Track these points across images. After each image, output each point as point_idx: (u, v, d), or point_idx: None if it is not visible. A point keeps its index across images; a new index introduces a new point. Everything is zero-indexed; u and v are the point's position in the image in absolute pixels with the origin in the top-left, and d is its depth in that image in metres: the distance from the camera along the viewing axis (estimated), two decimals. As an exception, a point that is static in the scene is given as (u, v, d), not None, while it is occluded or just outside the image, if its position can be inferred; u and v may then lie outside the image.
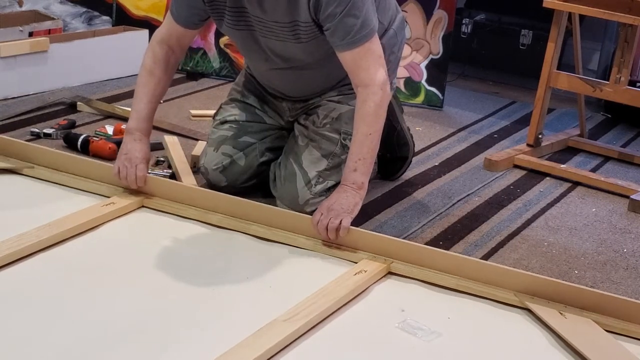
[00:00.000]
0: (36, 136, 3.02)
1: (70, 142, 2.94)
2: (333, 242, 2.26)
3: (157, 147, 3.00)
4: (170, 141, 2.99)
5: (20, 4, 4.20)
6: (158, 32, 2.54)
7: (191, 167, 2.79)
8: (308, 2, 2.28)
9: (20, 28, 3.81)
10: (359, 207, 2.33)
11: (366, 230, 2.32)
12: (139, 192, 2.47)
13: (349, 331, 1.93)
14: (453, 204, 2.81)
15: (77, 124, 3.19)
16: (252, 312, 1.95)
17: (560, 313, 2.02)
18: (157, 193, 2.47)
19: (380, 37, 2.54)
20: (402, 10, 2.73)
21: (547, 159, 3.32)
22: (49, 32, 3.91)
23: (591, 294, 2.06)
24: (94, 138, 2.94)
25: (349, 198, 2.31)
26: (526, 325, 2.03)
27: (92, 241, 2.25)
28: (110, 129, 3.07)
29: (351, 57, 2.32)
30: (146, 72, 2.52)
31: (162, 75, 2.52)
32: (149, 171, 2.68)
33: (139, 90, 2.53)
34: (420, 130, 3.53)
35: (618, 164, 3.38)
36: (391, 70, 2.65)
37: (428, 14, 3.79)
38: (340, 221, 2.24)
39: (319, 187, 2.50)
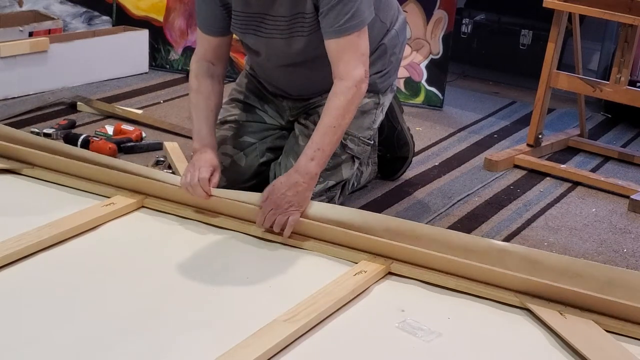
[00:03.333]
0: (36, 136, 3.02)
1: (70, 142, 2.94)
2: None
3: (157, 147, 3.01)
4: (171, 147, 2.98)
5: (20, 4, 4.20)
6: (194, 54, 2.56)
7: (191, 167, 2.79)
8: None
9: (20, 28, 3.81)
10: (308, 200, 2.34)
11: (366, 231, 2.33)
12: (139, 193, 2.47)
13: (349, 331, 1.93)
14: (453, 204, 2.81)
15: (77, 124, 3.19)
16: (252, 312, 1.95)
17: (560, 313, 2.02)
18: (157, 193, 2.47)
19: (382, 37, 2.55)
20: (403, 11, 2.74)
21: (547, 159, 3.32)
22: (49, 32, 3.91)
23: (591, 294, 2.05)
24: (94, 138, 2.94)
25: (300, 191, 2.31)
26: (526, 325, 2.02)
27: (92, 241, 2.25)
28: (110, 129, 3.07)
29: (336, 46, 2.33)
30: (193, 93, 2.52)
31: (210, 89, 2.51)
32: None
33: (192, 112, 2.53)
34: (420, 130, 3.53)
35: (618, 164, 3.38)
36: (392, 70, 2.65)
37: (428, 14, 3.79)
38: (288, 218, 2.27)
39: (319, 187, 2.50)
